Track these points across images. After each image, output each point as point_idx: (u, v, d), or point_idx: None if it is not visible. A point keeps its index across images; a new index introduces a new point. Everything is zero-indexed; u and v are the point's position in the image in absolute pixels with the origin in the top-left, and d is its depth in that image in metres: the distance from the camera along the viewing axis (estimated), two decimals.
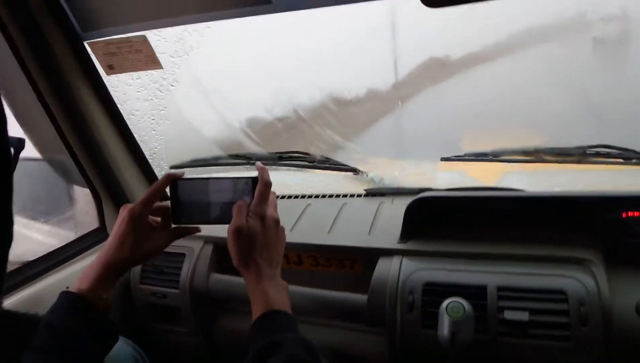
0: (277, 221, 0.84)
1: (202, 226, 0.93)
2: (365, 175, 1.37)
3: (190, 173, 0.95)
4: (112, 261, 0.83)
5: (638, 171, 1.10)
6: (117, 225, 0.85)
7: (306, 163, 1.38)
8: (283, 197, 1.39)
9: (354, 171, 1.39)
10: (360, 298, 1.02)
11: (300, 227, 1.21)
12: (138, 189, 1.35)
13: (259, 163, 0.86)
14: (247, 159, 1.42)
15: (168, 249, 1.25)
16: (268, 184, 0.83)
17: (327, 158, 1.38)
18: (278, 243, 0.83)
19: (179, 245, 1.25)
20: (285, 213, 1.28)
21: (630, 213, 0.96)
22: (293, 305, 1.08)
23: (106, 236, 1.30)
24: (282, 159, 1.39)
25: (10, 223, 0.37)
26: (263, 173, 0.83)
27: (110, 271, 0.82)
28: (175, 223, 0.88)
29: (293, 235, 1.17)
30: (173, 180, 0.86)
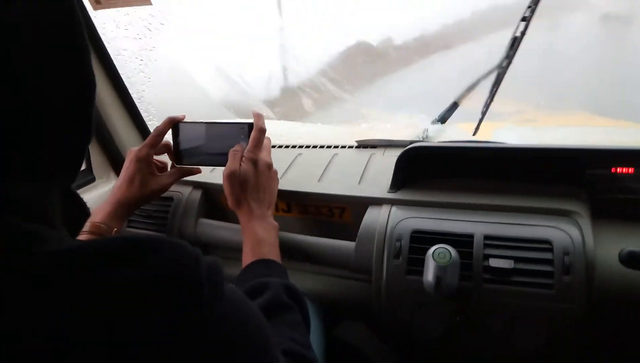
0: (269, 165, 0.89)
1: (202, 168, 1.01)
2: None
3: None
4: (122, 199, 0.92)
5: (628, 129, 1.10)
6: (125, 167, 0.94)
7: None
8: (274, 146, 1.37)
9: None
10: (348, 245, 1.03)
11: (290, 176, 1.20)
12: (124, 132, 1.32)
13: (254, 110, 0.89)
14: None
15: None
16: (262, 130, 0.88)
17: None
18: (270, 185, 0.89)
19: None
20: (276, 162, 1.26)
21: (619, 169, 0.96)
22: (281, 251, 1.09)
23: (93, 178, 1.28)
24: None
25: (91, 127, 0.44)
26: (258, 119, 0.88)
27: (121, 208, 0.92)
28: (177, 164, 0.96)
29: (283, 183, 1.16)
30: (174, 123, 0.93)
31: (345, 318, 1.03)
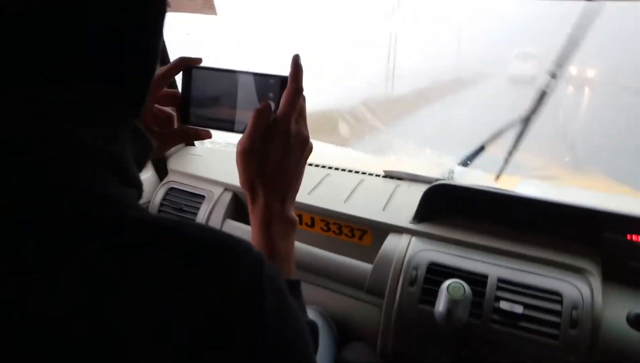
0: (304, 140, 0.63)
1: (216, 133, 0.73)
2: None
3: None
4: None
5: None
6: None
7: None
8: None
9: None
10: (366, 266, 1.07)
11: (318, 193, 1.26)
12: None
13: (295, 57, 0.63)
14: None
15: (189, 189, 1.32)
16: (299, 89, 0.62)
17: None
18: (300, 168, 0.63)
19: (200, 187, 1.30)
20: (304, 179, 1.32)
21: (635, 237, 1.01)
22: (300, 262, 1.13)
23: None
24: None
25: (155, 58, 0.42)
26: (297, 73, 0.62)
27: None
28: (182, 122, 0.69)
29: (309, 199, 1.22)
30: (187, 67, 0.67)
31: (354, 338, 1.06)
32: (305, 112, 0.64)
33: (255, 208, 0.62)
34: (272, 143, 0.59)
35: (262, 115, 0.59)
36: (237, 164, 0.61)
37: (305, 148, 0.62)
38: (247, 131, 0.59)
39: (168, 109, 0.70)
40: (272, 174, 0.60)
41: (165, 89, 0.68)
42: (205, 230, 0.37)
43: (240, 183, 0.62)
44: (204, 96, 0.68)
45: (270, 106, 0.61)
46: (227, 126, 0.68)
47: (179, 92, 0.68)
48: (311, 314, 1.07)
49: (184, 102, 0.68)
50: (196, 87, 0.68)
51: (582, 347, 0.86)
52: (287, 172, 0.61)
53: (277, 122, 0.59)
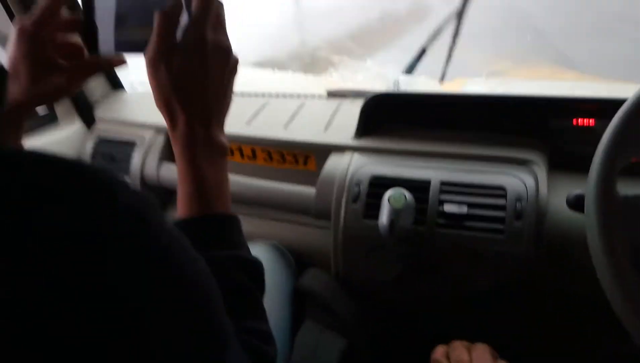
0: (225, 51, 0.53)
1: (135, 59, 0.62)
2: None
3: None
4: (11, 98, 0.59)
5: (593, 83, 1.09)
6: (8, 49, 0.58)
7: None
8: (239, 95, 1.35)
9: None
10: (310, 191, 1.03)
11: (256, 122, 1.19)
12: None
13: None
14: None
15: (118, 137, 1.23)
16: None
17: None
18: (223, 85, 0.54)
19: (129, 133, 1.22)
20: (242, 110, 1.25)
21: (582, 121, 0.97)
22: (243, 196, 1.08)
23: (56, 119, 1.24)
24: None
25: None
26: None
27: (9, 111, 0.59)
28: (91, 51, 0.59)
29: (248, 129, 1.15)
30: None
31: (311, 265, 1.04)
32: (224, 20, 0.55)
33: (175, 133, 0.54)
34: (185, 53, 0.51)
35: (170, 15, 0.50)
36: (149, 78, 0.52)
37: (227, 61, 0.54)
38: (153, 36, 0.51)
39: (74, 38, 0.60)
40: (190, 91, 0.52)
41: (64, 15, 0.58)
42: (32, 155, 0.29)
43: (156, 103, 0.54)
44: (112, 17, 0.58)
45: (181, 5, 0.52)
46: (142, 46, 0.56)
47: (80, 16, 0.57)
48: (265, 248, 1.03)
49: (88, 27, 0.58)
50: (101, 7, 0.58)
51: (527, 237, 0.84)
52: (208, 89, 0.53)
53: (188, 30, 0.51)
